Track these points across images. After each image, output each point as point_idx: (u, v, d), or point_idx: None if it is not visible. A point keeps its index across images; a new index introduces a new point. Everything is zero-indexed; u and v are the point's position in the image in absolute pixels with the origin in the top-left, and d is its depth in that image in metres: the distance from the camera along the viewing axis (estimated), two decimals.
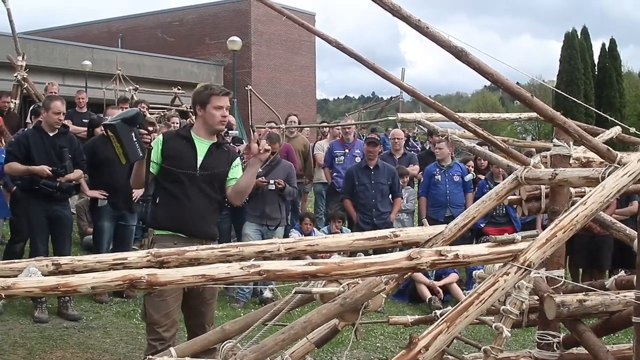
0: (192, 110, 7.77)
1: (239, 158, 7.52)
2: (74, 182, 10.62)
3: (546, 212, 6.16)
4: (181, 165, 7.12)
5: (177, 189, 7.12)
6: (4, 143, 10.99)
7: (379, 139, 15.56)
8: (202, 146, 7.19)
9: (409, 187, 15.19)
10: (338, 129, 16.98)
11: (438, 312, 5.89)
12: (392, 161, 15.10)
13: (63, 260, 4.51)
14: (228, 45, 38.77)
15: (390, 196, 13.72)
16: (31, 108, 14.55)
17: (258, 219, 12.02)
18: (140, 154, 6.76)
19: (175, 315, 7.01)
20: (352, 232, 12.82)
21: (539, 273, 5.13)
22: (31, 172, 10.14)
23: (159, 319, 6.91)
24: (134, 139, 6.68)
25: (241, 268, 4.04)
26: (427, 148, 19.23)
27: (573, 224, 4.52)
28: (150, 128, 12.23)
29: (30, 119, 14.14)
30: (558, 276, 5.48)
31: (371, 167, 13.55)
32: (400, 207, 14.00)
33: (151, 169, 7.12)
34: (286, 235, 12.49)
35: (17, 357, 8.68)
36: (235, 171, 7.30)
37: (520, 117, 9.39)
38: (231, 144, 11.93)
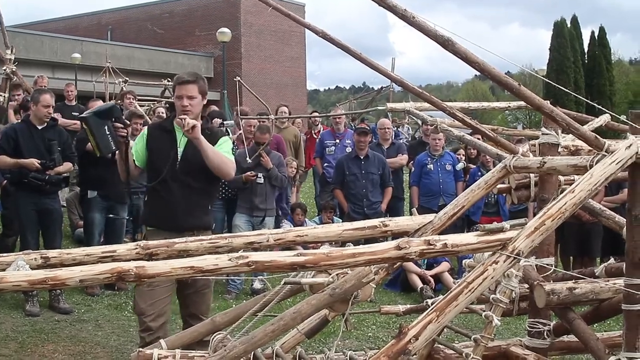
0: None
1: (225, 137, 7.44)
2: (63, 175, 10.60)
3: (535, 200, 6.19)
4: (161, 159, 7.07)
5: (160, 185, 7.06)
6: None
7: (369, 128, 15.48)
8: (182, 136, 7.08)
9: None
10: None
11: (429, 301, 5.89)
12: (380, 151, 15.02)
13: (51, 253, 4.50)
14: (218, 37, 38.82)
15: (380, 186, 13.72)
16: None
17: (248, 210, 12.05)
18: (113, 147, 6.79)
19: (164, 304, 6.98)
20: (343, 222, 12.86)
21: (528, 261, 5.14)
22: (20, 166, 10.13)
23: (145, 308, 6.92)
24: (107, 132, 6.70)
25: (229, 259, 4.04)
26: (419, 137, 19.18)
27: (561, 212, 4.53)
28: (140, 121, 12.24)
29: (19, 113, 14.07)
30: (548, 264, 5.49)
31: (361, 157, 13.54)
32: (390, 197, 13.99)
33: (137, 163, 7.17)
34: (277, 226, 12.50)
35: (9, 351, 8.67)
36: (219, 149, 7.12)
37: (509, 106, 9.37)
38: (222, 128, 11.95)
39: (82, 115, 7.18)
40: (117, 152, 7.00)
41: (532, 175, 6.12)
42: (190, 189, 7.04)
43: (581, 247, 12.50)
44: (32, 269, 4.14)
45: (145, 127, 7.38)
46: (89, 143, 6.95)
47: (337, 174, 13.87)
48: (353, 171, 13.51)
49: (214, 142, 7.10)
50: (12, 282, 3.73)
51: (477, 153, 14.71)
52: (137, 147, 7.22)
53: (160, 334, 6.50)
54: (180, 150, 7.08)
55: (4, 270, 4.05)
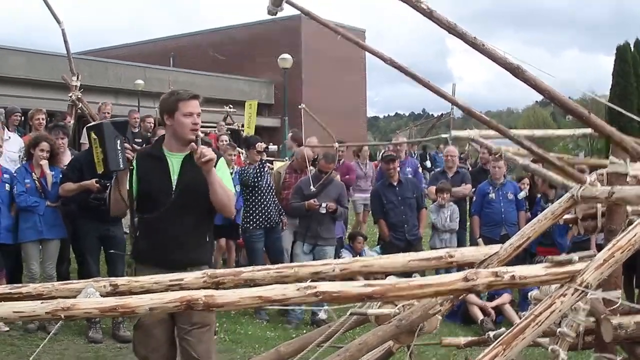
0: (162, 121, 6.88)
1: (221, 160, 6.68)
2: None
3: (602, 231, 6.09)
4: (154, 189, 6.52)
5: (153, 217, 6.45)
6: (61, 164, 11.15)
7: (394, 155, 15.35)
8: (175, 162, 6.52)
9: (451, 204, 14.77)
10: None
11: (491, 333, 5.84)
12: (444, 178, 15.11)
13: (120, 281, 4.53)
14: (279, 63, 38.85)
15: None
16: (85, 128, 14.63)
17: (310, 238, 12.03)
18: (122, 165, 6.22)
19: (165, 348, 6.60)
20: (383, 249, 12.95)
21: (595, 294, 5.07)
22: (83, 188, 10.26)
23: (147, 355, 6.63)
24: (118, 147, 6.16)
25: (297, 289, 4.03)
26: (479, 165, 19.12)
27: (631, 243, 4.46)
28: (233, 152, 12.27)
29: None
30: (615, 297, 5.41)
31: (395, 184, 13.62)
32: (427, 220, 14.14)
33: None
34: (336, 255, 12.50)
35: None
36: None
37: (574, 134, 9.27)
38: (264, 157, 11.78)
39: (94, 123, 6.68)
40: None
41: (599, 205, 6.03)
42: (185, 221, 6.48)
43: None
44: (102, 296, 4.18)
45: (135, 156, 6.60)
46: (94, 156, 6.26)
47: (376, 204, 14.01)
48: (390, 199, 13.58)
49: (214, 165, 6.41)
50: (84, 309, 3.76)
51: (532, 182, 14.56)
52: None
53: None
54: (174, 178, 6.52)
55: (74, 297, 4.09)
